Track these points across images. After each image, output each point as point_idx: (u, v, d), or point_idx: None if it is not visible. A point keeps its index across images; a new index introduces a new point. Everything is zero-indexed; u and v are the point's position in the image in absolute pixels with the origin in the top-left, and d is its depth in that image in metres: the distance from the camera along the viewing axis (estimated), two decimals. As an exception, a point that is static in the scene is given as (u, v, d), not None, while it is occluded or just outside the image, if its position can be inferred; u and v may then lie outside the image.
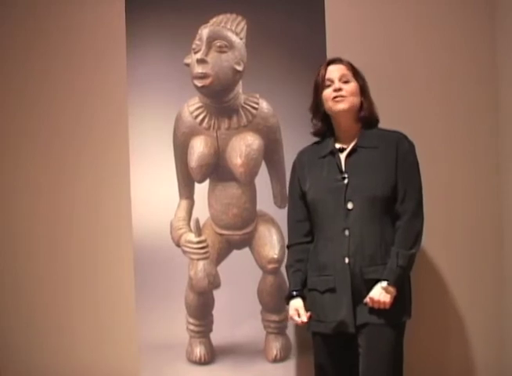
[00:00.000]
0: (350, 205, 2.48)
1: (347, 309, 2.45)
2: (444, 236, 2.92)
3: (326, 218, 2.50)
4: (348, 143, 2.58)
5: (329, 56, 2.85)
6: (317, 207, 2.56)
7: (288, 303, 2.60)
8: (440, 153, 2.93)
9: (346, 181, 2.51)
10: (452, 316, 2.93)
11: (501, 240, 2.92)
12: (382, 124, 2.67)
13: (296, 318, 2.54)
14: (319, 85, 2.59)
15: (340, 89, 2.53)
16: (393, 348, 2.46)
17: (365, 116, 2.58)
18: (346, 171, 2.52)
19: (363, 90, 2.58)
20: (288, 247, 2.69)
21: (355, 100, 2.55)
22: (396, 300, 2.45)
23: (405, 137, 2.57)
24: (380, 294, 2.42)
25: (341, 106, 2.54)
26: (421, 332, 2.87)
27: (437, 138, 2.93)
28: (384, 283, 2.42)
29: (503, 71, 2.89)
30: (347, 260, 2.46)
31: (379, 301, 2.42)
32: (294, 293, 2.57)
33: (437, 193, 2.88)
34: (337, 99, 2.53)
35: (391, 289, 2.42)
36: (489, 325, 2.92)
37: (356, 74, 2.58)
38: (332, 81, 2.55)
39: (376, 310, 2.44)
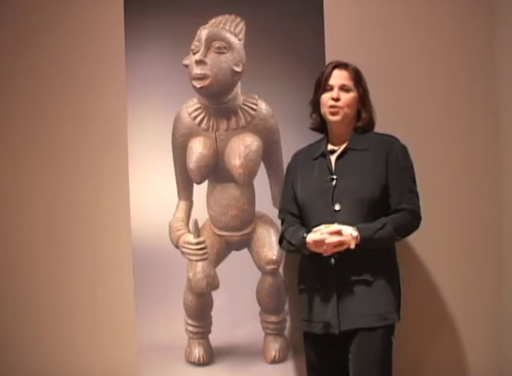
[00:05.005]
0: (337, 207, 2.50)
1: (332, 310, 2.47)
2: (442, 236, 2.92)
3: (315, 219, 2.51)
4: (341, 145, 2.61)
5: (328, 56, 2.86)
6: (306, 208, 2.59)
7: (305, 247, 2.48)
8: (439, 153, 2.93)
9: (334, 182, 2.52)
10: (447, 319, 2.92)
11: (500, 242, 2.92)
12: (380, 125, 2.67)
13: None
14: (320, 86, 2.61)
15: (337, 99, 2.55)
16: (383, 351, 2.47)
17: (361, 126, 2.61)
18: (335, 173, 2.54)
19: (362, 99, 2.59)
20: (283, 233, 2.67)
21: (350, 112, 2.58)
22: (385, 301, 2.48)
23: (397, 140, 2.60)
24: (348, 233, 2.40)
25: (335, 118, 2.57)
26: (417, 335, 2.88)
27: (436, 138, 2.93)
28: (356, 233, 2.40)
29: (503, 71, 2.89)
30: (333, 261, 2.48)
31: (340, 238, 2.38)
32: (304, 234, 2.49)
33: (436, 194, 2.88)
34: (331, 109, 2.55)
35: (357, 240, 2.40)
36: (487, 328, 2.92)
37: (358, 82, 2.60)
38: (332, 88, 2.57)
39: (364, 313, 2.44)
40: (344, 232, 2.41)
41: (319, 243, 2.41)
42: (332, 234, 2.40)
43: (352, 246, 2.41)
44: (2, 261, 3.09)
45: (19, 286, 3.07)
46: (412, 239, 2.74)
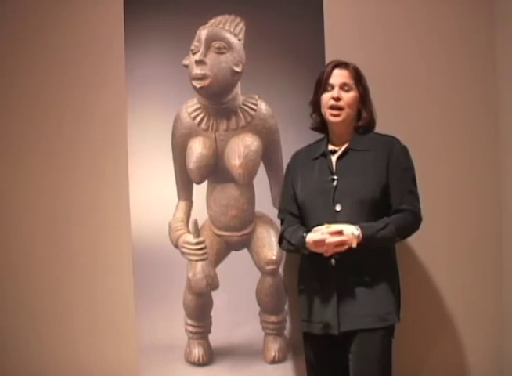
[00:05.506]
0: (338, 207, 2.49)
1: (331, 311, 2.47)
2: (442, 237, 2.92)
3: (315, 219, 2.51)
4: (341, 145, 2.60)
5: (328, 56, 2.85)
6: (306, 208, 2.59)
7: (305, 246, 2.47)
8: (439, 153, 2.93)
9: (335, 183, 2.52)
10: (447, 319, 2.92)
11: (500, 242, 2.92)
12: (380, 125, 2.67)
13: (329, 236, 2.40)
14: (321, 85, 2.60)
15: (338, 99, 2.54)
16: (383, 352, 2.47)
17: (362, 126, 2.60)
18: (336, 173, 2.53)
19: (363, 99, 2.59)
20: (282, 233, 2.66)
21: (351, 112, 2.58)
22: (385, 302, 2.48)
23: (398, 141, 2.59)
24: (350, 233, 2.39)
25: (336, 119, 2.56)
26: (417, 335, 2.88)
27: (436, 138, 2.93)
28: (358, 231, 2.40)
29: (503, 71, 2.89)
30: (333, 262, 2.48)
31: (341, 238, 2.37)
32: (304, 234, 2.48)
33: (436, 194, 2.88)
34: (332, 111, 2.55)
35: (359, 239, 2.39)
36: (487, 328, 2.92)
37: (359, 81, 2.59)
38: (333, 87, 2.56)
39: (363, 314, 2.44)
40: (345, 231, 2.39)
41: (320, 243, 2.40)
42: (333, 234, 2.40)
43: (354, 245, 2.40)
44: (2, 261, 3.10)
45: (19, 286, 3.07)
46: (412, 239, 2.73)
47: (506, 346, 2.89)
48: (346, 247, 2.39)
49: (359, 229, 2.41)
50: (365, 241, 2.41)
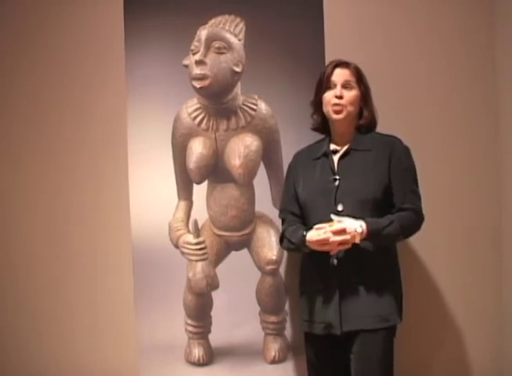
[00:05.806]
0: (340, 207, 2.49)
1: (334, 311, 2.47)
2: (442, 237, 2.92)
3: (316, 219, 2.49)
4: (343, 145, 2.60)
5: (328, 56, 2.85)
6: (308, 208, 2.58)
7: (305, 245, 2.47)
8: (439, 153, 2.93)
9: (337, 183, 2.52)
10: (448, 319, 2.92)
11: (500, 242, 2.92)
12: (380, 125, 2.67)
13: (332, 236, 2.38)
14: (322, 84, 2.60)
15: (340, 97, 2.54)
16: (384, 352, 2.47)
17: (363, 124, 2.60)
18: (338, 173, 2.53)
19: (364, 97, 2.59)
20: (283, 232, 2.66)
21: (353, 109, 2.58)
22: (387, 303, 2.47)
23: (400, 141, 2.59)
24: (353, 230, 2.38)
25: (338, 116, 2.56)
26: (418, 335, 2.88)
27: (436, 138, 2.93)
28: (364, 226, 2.39)
29: (503, 71, 2.89)
30: (335, 262, 2.47)
31: (344, 237, 2.36)
32: (304, 232, 2.47)
33: (436, 194, 2.87)
34: (335, 108, 2.54)
35: (362, 235, 2.39)
36: (487, 328, 2.92)
37: (360, 80, 2.59)
38: (335, 85, 2.56)
39: (365, 314, 2.44)
40: (348, 229, 2.38)
41: (323, 242, 2.40)
42: (335, 233, 2.38)
43: (357, 240, 2.39)
44: (2, 261, 3.10)
45: (19, 286, 3.07)
46: (413, 239, 2.74)
47: (506, 346, 2.89)
48: (349, 245, 2.39)
49: (363, 226, 2.40)
50: (370, 236, 2.40)
